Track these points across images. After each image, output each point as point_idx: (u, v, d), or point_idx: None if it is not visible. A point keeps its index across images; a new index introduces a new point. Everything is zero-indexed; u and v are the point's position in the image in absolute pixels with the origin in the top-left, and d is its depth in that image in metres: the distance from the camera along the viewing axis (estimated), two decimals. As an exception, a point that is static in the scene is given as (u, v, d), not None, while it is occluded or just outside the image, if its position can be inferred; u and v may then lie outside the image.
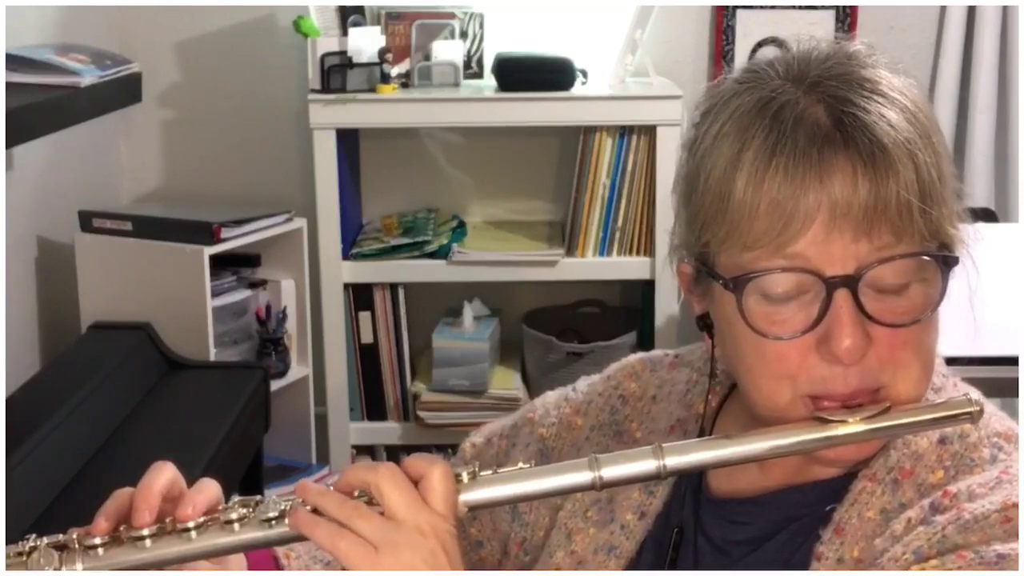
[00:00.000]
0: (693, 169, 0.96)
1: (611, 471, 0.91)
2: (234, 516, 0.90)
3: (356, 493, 0.90)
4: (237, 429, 2.27)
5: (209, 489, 0.93)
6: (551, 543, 1.10)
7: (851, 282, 0.89)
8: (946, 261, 0.92)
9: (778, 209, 0.88)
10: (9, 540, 0.91)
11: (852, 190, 0.87)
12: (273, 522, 0.89)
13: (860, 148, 0.88)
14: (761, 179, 0.89)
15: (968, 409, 0.91)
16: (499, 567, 1.17)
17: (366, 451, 3.04)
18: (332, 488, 0.91)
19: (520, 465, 0.92)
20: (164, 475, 0.93)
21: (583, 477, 0.91)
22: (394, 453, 3.07)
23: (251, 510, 0.90)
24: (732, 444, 0.92)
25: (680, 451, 0.92)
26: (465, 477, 0.91)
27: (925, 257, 0.90)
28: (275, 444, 2.79)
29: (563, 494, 0.96)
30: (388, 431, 3.00)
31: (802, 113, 0.90)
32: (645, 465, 0.91)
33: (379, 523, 0.87)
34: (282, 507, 0.90)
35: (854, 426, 0.90)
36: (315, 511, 0.89)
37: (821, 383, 0.92)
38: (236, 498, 0.93)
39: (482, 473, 0.92)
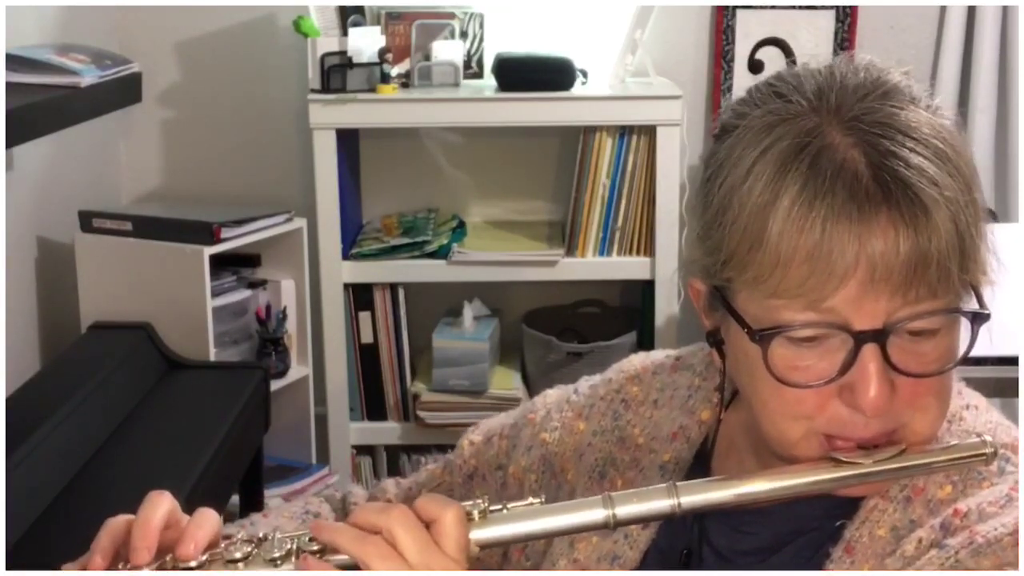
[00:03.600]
0: (717, 200, 0.92)
1: (625, 510, 0.90)
2: (238, 555, 0.88)
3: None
4: (237, 429, 2.27)
5: (209, 522, 0.91)
6: (553, 550, 1.09)
7: (880, 336, 0.87)
8: (976, 316, 0.90)
9: (814, 264, 0.85)
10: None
11: (893, 251, 0.85)
12: (278, 561, 0.88)
13: (902, 207, 0.85)
14: (798, 230, 0.86)
15: (982, 451, 0.90)
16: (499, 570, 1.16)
17: (366, 451, 3.04)
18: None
19: (531, 501, 0.91)
20: (162, 507, 0.91)
21: (596, 516, 0.90)
22: (394, 453, 3.07)
23: (256, 547, 0.89)
24: (746, 484, 0.91)
25: (695, 490, 0.91)
26: (476, 515, 0.90)
27: (957, 314, 0.89)
28: (275, 444, 2.79)
29: (576, 532, 0.95)
30: (388, 431, 3.00)
31: (841, 161, 0.86)
32: (659, 504, 0.90)
33: (395, 559, 0.85)
34: (287, 546, 0.89)
35: (869, 468, 0.90)
36: (324, 549, 0.88)
37: (840, 426, 0.90)
38: (240, 533, 0.91)
39: (492, 510, 0.90)
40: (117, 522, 0.92)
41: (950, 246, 0.86)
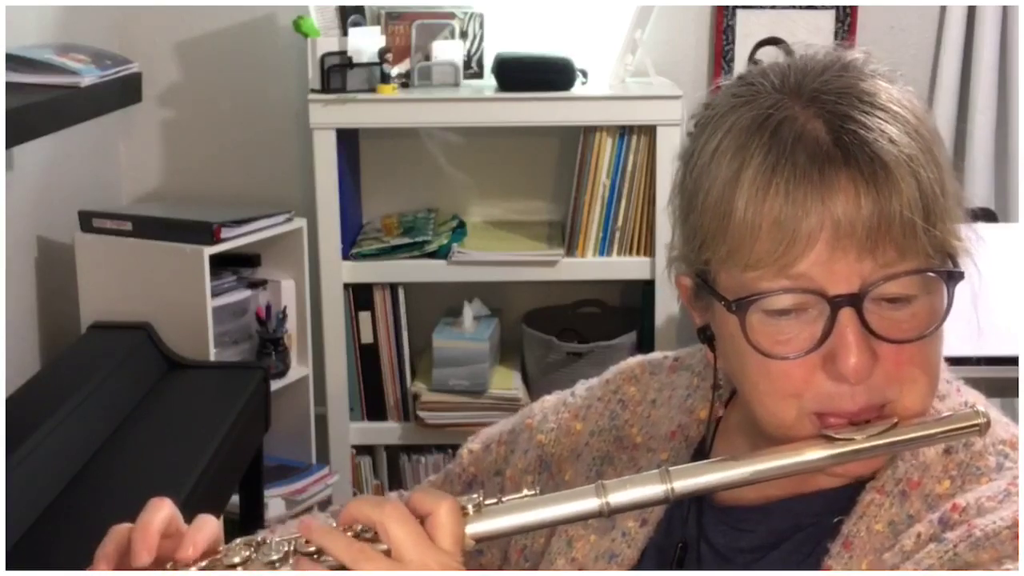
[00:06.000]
0: (691, 185, 0.94)
1: (618, 497, 0.90)
2: (237, 560, 0.88)
3: (359, 528, 0.88)
4: (237, 429, 2.27)
5: (208, 527, 0.91)
6: (552, 550, 1.10)
7: (856, 300, 0.88)
8: (951, 276, 0.90)
9: (780, 230, 0.87)
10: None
11: (855, 209, 0.86)
12: (277, 564, 0.88)
13: (862, 166, 0.87)
14: (762, 199, 0.88)
15: (975, 422, 0.91)
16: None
17: (366, 451, 3.04)
18: (336, 522, 0.89)
19: (525, 492, 0.91)
20: (162, 512, 0.91)
21: (590, 504, 0.90)
22: (394, 453, 3.07)
23: (254, 551, 0.89)
24: (739, 465, 0.91)
25: (687, 474, 0.91)
26: (470, 509, 0.89)
27: (930, 273, 0.90)
28: (275, 444, 2.79)
29: (570, 522, 0.95)
30: (388, 431, 3.00)
31: (801, 130, 0.88)
32: (653, 490, 0.90)
33: (385, 565, 0.85)
34: (285, 549, 0.88)
35: (861, 443, 0.90)
36: (320, 551, 0.88)
37: (828, 400, 0.91)
38: (238, 540, 0.91)
39: (487, 503, 0.90)
40: (121, 529, 0.92)
41: (912, 202, 0.87)
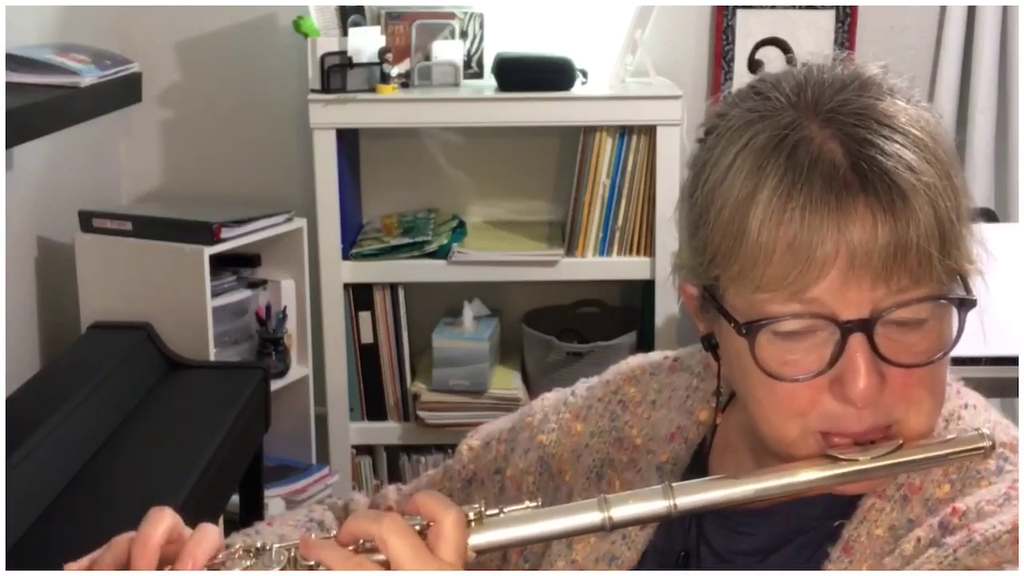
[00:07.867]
0: (701, 199, 0.93)
1: (621, 511, 0.89)
2: (238, 569, 0.88)
3: (360, 542, 0.87)
4: (237, 429, 2.27)
5: (209, 539, 0.90)
6: (551, 552, 1.09)
7: (867, 326, 0.87)
8: (962, 303, 0.90)
9: (795, 255, 0.86)
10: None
11: (871, 238, 0.85)
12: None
13: (879, 194, 0.85)
14: (777, 222, 0.86)
15: (980, 444, 0.90)
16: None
17: (366, 451, 3.04)
18: (335, 538, 0.88)
19: (527, 504, 0.91)
20: (163, 524, 0.90)
21: (592, 518, 0.89)
22: (394, 453, 3.07)
23: (253, 559, 0.89)
24: (743, 483, 0.91)
25: (691, 490, 0.90)
26: (472, 519, 0.89)
27: (942, 301, 0.89)
28: (275, 444, 2.79)
29: (572, 535, 0.94)
30: (388, 431, 3.00)
31: (818, 152, 0.87)
32: (656, 505, 0.89)
33: None
34: (285, 557, 0.88)
35: (866, 464, 0.89)
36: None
37: (834, 421, 0.90)
38: (238, 543, 0.91)
39: (488, 514, 0.89)
40: (121, 541, 0.91)
41: (929, 231, 0.86)
